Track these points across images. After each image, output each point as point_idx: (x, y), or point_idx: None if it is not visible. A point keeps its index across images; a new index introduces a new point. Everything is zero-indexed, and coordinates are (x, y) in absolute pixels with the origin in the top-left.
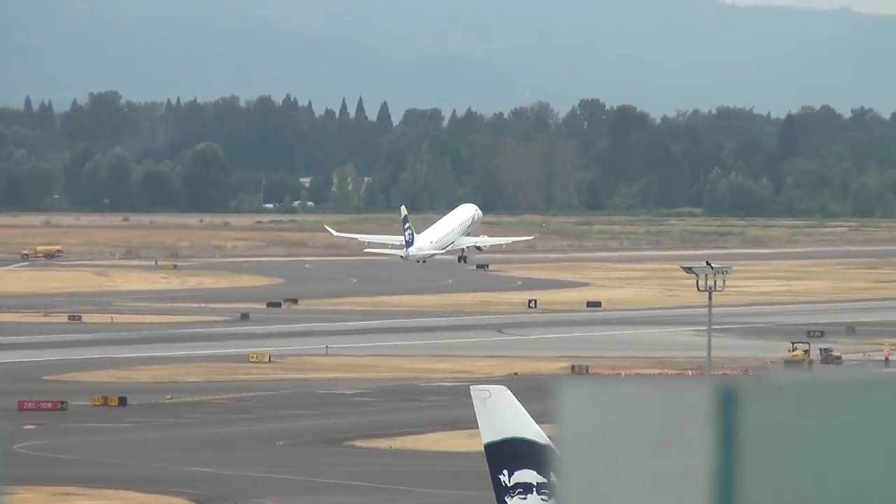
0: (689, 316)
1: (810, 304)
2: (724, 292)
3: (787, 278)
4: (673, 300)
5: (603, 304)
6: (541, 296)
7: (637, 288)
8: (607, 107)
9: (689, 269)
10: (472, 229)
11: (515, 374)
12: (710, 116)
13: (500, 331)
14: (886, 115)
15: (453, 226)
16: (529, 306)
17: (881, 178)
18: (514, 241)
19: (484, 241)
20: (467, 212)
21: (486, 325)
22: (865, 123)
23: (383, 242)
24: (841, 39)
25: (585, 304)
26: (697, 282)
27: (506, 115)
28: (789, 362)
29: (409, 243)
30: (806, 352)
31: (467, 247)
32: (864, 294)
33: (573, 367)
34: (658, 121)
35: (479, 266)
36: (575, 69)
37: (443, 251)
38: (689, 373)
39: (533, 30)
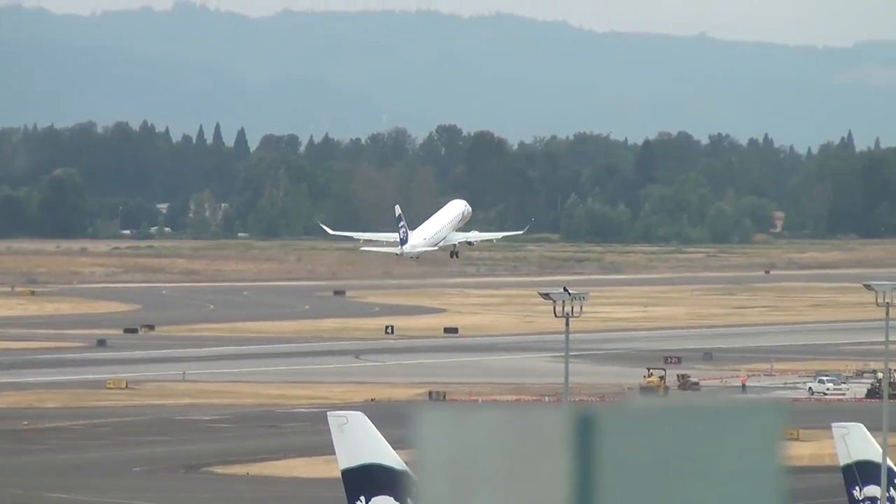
0: (546, 342)
1: (668, 330)
2: (582, 318)
3: (644, 304)
4: (530, 326)
5: (460, 330)
6: (398, 322)
7: (494, 314)
8: (464, 132)
9: (546, 296)
10: (462, 225)
11: (373, 400)
12: (568, 142)
13: (357, 357)
14: (743, 141)
15: (444, 222)
16: (387, 332)
17: (738, 204)
18: (503, 237)
19: (475, 236)
20: (457, 208)
21: (344, 351)
22: (722, 149)
23: (379, 240)
24: (698, 65)
25: (443, 331)
26: (555, 308)
27: (363, 141)
28: (645, 388)
29: (403, 241)
30: (661, 378)
31: (459, 242)
32: (721, 320)
33: (430, 393)
34: (515, 146)
35: (337, 292)
36: (432, 94)
37: (436, 247)
38: (547, 399)
39: (390, 55)
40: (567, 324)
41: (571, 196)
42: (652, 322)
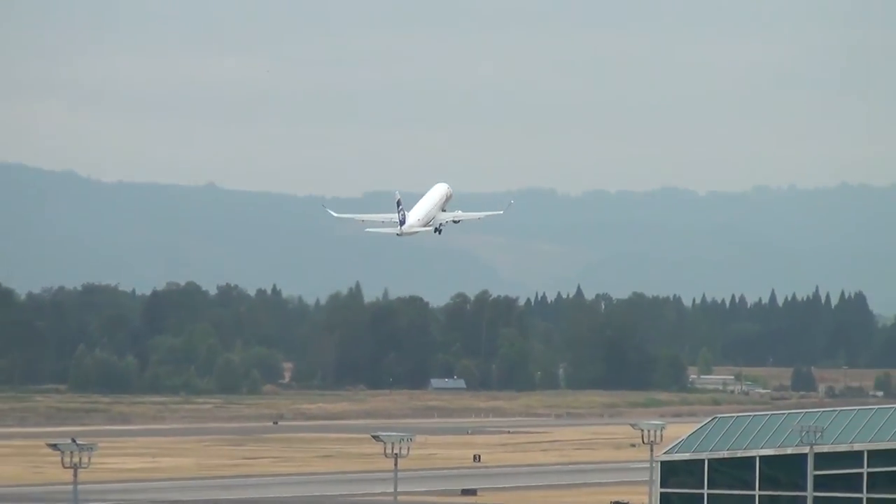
0: (55, 493)
1: (176, 480)
2: (91, 469)
3: (153, 455)
4: (39, 477)
5: None
6: None
7: (1, 465)
8: None
9: (54, 446)
10: (447, 205)
11: None
12: (76, 293)
13: None
14: (252, 292)
15: (432, 204)
16: None
17: (246, 355)
18: (486, 215)
19: (460, 215)
20: (441, 189)
21: None
22: (231, 300)
23: (380, 220)
24: (207, 215)
25: None
26: (62, 458)
27: None
28: None
29: (402, 222)
30: None
31: (445, 221)
32: (229, 471)
33: None
34: (23, 297)
35: None
36: None
37: (428, 227)
38: None
39: None
40: (75, 475)
41: (80, 347)
42: (160, 473)
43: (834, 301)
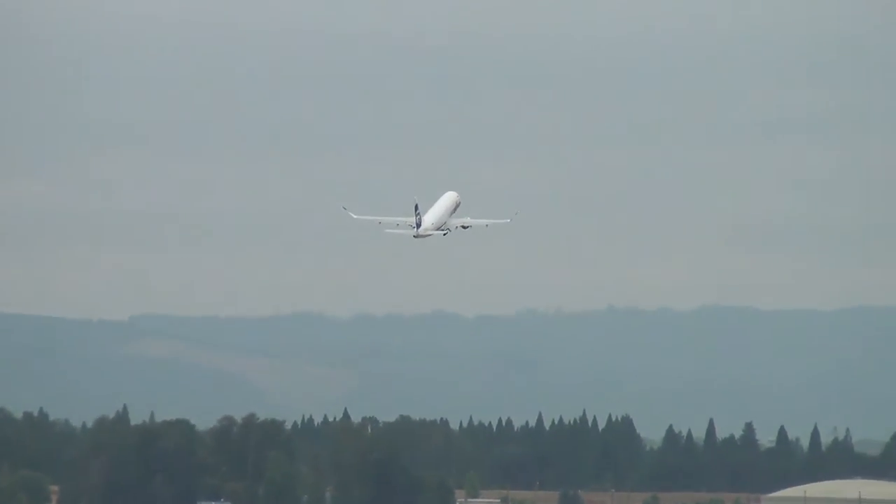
0: None
1: None
2: None
3: None
4: None
5: None
6: None
7: None
8: None
9: None
10: (456, 211)
11: None
12: None
13: None
14: (18, 415)
15: (444, 209)
16: None
17: (13, 478)
18: (493, 223)
19: (469, 221)
20: (452, 197)
21: None
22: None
23: (397, 222)
24: None
25: None
26: None
27: None
28: None
29: (418, 225)
30: None
31: (455, 226)
32: None
33: None
34: None
35: None
36: None
37: (440, 231)
38: None
39: None
40: None
41: None
42: None
43: (601, 424)
